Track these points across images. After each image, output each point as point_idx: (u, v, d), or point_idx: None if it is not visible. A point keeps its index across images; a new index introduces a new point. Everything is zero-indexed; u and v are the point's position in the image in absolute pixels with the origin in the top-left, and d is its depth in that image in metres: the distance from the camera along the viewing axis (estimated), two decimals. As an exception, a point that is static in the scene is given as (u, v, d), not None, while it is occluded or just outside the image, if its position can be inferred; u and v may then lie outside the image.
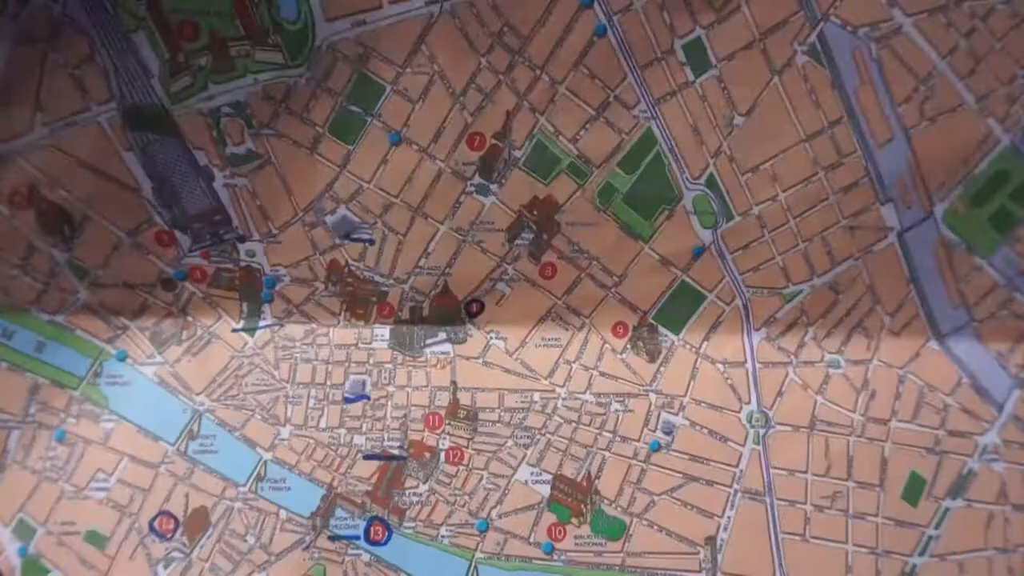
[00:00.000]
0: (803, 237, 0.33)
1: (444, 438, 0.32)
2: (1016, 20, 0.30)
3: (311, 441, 0.32)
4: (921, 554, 0.33)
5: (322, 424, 0.32)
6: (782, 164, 0.32)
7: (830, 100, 0.31)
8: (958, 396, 0.34)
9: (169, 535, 0.31)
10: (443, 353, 0.33)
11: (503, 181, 0.31)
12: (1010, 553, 0.33)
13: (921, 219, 0.33)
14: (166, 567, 0.31)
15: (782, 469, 0.33)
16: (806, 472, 0.33)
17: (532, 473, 0.32)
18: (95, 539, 0.31)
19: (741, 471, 0.33)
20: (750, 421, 0.33)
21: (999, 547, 0.33)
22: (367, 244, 0.31)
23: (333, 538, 0.31)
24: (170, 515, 0.31)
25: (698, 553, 0.32)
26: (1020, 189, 0.33)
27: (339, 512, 0.31)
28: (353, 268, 0.32)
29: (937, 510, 0.33)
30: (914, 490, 0.34)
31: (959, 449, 0.34)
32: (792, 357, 0.34)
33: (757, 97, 0.31)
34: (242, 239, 0.31)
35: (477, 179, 0.31)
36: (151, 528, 0.31)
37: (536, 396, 0.33)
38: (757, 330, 0.34)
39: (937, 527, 0.33)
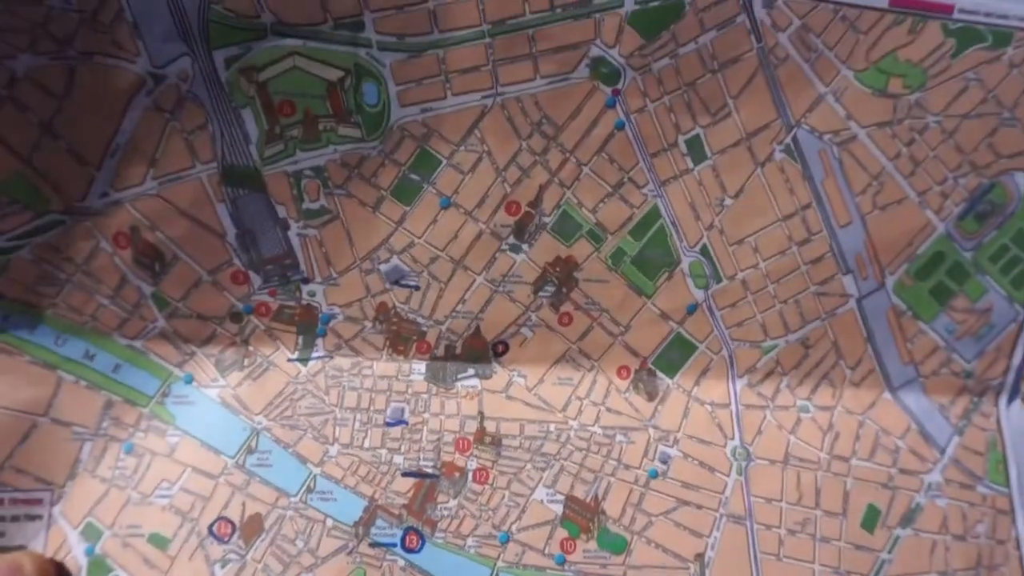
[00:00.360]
0: (779, 299, 0.41)
1: (472, 460, 0.38)
2: (945, 136, 0.39)
3: (356, 459, 0.38)
4: (876, 575, 0.40)
5: (366, 444, 0.38)
6: (763, 238, 0.40)
7: (801, 189, 0.40)
8: (908, 440, 0.42)
9: (226, 538, 0.36)
10: (472, 387, 0.39)
11: (533, 242, 0.39)
12: (950, 576, 0.41)
13: (875, 289, 0.42)
14: (223, 567, 0.36)
15: (760, 497, 0.40)
16: (781, 500, 0.40)
17: (547, 493, 0.38)
18: (158, 541, 0.36)
19: (726, 498, 0.39)
20: (734, 455, 0.40)
21: (940, 571, 0.40)
22: (413, 290, 0.38)
23: (373, 545, 0.37)
24: (228, 521, 0.36)
25: (689, 568, 0.38)
26: (953, 268, 0.41)
27: (379, 522, 0.37)
28: (399, 310, 0.39)
29: (890, 537, 0.40)
30: (871, 519, 0.40)
31: (908, 485, 0.41)
32: (769, 402, 0.41)
33: (743, 184, 0.39)
34: (306, 281, 0.38)
35: (511, 239, 0.38)
36: (210, 532, 0.36)
37: (552, 427, 0.39)
38: (740, 377, 0.41)
39: (890, 552, 0.40)
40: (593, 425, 0.39)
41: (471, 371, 0.39)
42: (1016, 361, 0.43)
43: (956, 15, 0.38)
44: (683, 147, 0.38)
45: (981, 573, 0.41)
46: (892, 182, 0.40)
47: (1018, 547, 0.41)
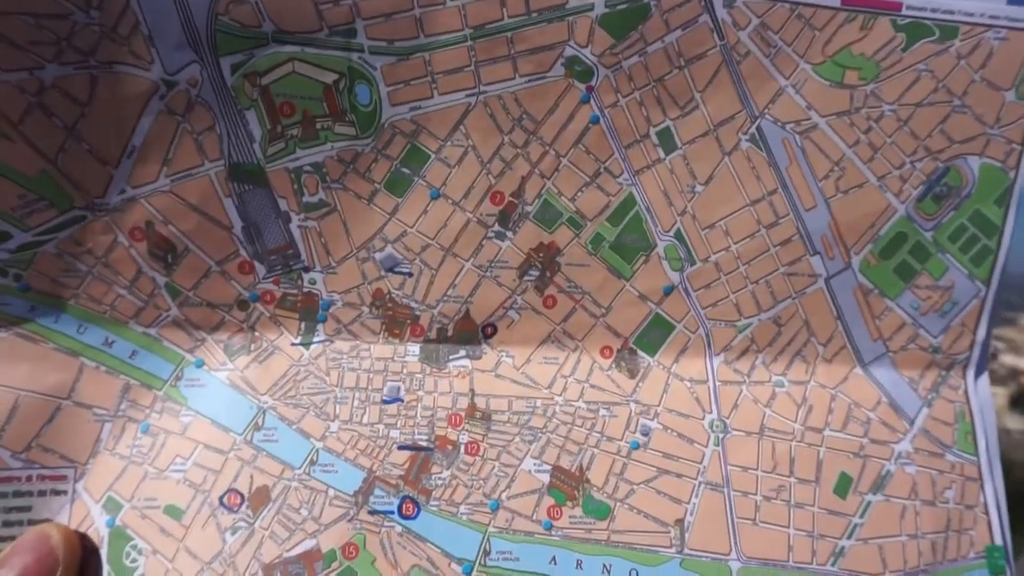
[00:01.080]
0: (751, 280, 0.45)
1: (464, 434, 0.42)
2: (900, 124, 0.43)
3: (355, 434, 0.42)
4: (848, 538, 0.43)
5: (364, 420, 0.42)
6: (733, 223, 0.44)
7: (768, 175, 0.44)
8: (878, 412, 0.46)
9: (236, 508, 0.40)
10: (463, 366, 0.43)
11: (517, 230, 0.43)
12: (919, 539, 0.44)
13: (842, 269, 0.45)
14: (233, 534, 0.40)
15: (737, 466, 0.44)
16: (756, 469, 0.44)
17: (535, 464, 0.42)
18: (173, 512, 0.40)
19: (704, 467, 0.43)
20: (711, 427, 0.44)
21: (910, 534, 0.44)
22: (407, 276, 0.43)
23: (372, 512, 0.40)
24: (237, 492, 0.40)
25: (669, 532, 0.42)
26: (915, 247, 0.45)
27: (377, 491, 0.41)
28: (394, 296, 0.43)
29: (861, 503, 0.44)
30: (843, 486, 0.44)
31: (879, 454, 0.45)
32: (745, 377, 0.45)
33: (712, 171, 0.43)
34: (307, 270, 0.42)
35: (496, 227, 0.43)
36: (221, 502, 0.40)
37: (538, 402, 0.43)
38: (717, 355, 0.45)
39: (861, 516, 0.44)
40: (577, 400, 0.43)
41: (462, 352, 0.43)
42: (980, 336, 0.47)
43: (905, 11, 0.42)
44: (654, 138, 0.42)
45: (950, 536, 0.44)
46: (853, 167, 0.44)
47: (986, 512, 0.45)
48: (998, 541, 0.45)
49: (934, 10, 0.42)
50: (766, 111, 0.43)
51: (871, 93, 0.43)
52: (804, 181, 0.44)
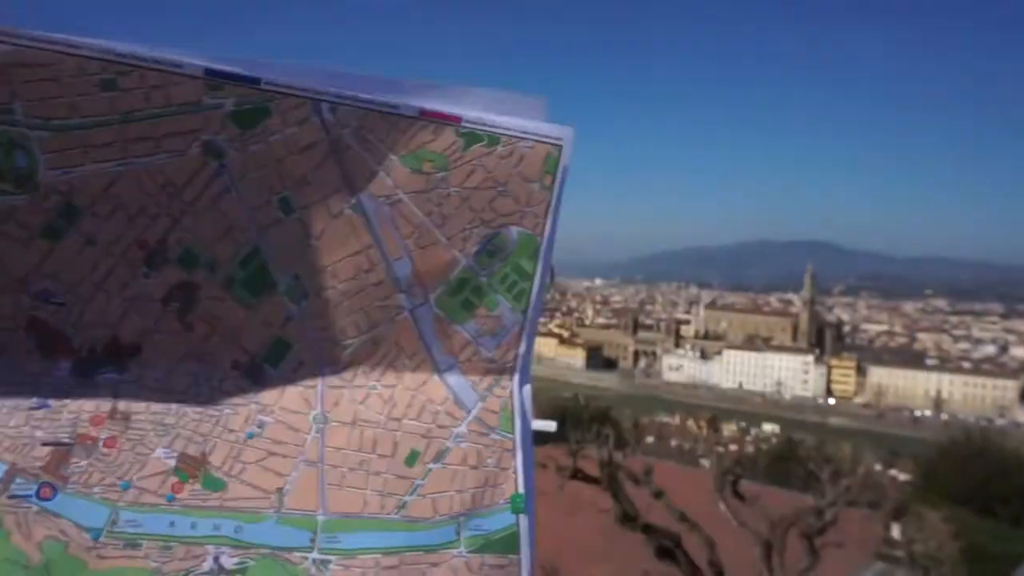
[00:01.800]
0: (354, 310, 0.65)
1: (104, 431, 0.57)
2: (462, 201, 0.66)
3: (0, 435, 0.55)
4: (411, 495, 0.66)
5: (11, 424, 0.55)
6: (339, 267, 0.64)
7: (365, 234, 0.64)
8: (445, 406, 0.68)
9: None
10: (110, 379, 0.58)
11: (161, 270, 0.59)
12: (463, 492, 0.68)
13: (422, 303, 0.67)
14: None
15: (332, 447, 0.64)
16: (347, 449, 0.64)
17: (165, 452, 0.59)
18: None
19: (305, 449, 0.63)
20: (314, 420, 0.64)
21: (458, 489, 0.68)
22: (60, 306, 0.56)
23: (11, 497, 0.54)
24: None
25: (270, 498, 0.61)
26: (475, 288, 0.68)
27: (18, 479, 0.54)
28: (48, 322, 0.56)
29: (425, 469, 0.67)
30: (412, 458, 0.66)
31: (442, 435, 0.68)
32: (348, 383, 0.66)
33: (323, 229, 0.63)
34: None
35: (144, 268, 0.58)
36: None
37: (174, 405, 0.60)
38: (327, 365, 0.65)
39: (423, 479, 0.66)
40: (208, 403, 0.60)
41: (111, 367, 0.58)
42: (522, 350, 0.72)
43: (463, 124, 0.65)
44: (276, 204, 0.60)
45: (487, 489, 0.69)
46: (429, 230, 0.65)
47: (515, 472, 0.70)
48: (521, 490, 0.70)
49: (483, 124, 0.65)
50: (364, 187, 0.63)
51: (441, 179, 0.65)
52: (393, 239, 0.65)
